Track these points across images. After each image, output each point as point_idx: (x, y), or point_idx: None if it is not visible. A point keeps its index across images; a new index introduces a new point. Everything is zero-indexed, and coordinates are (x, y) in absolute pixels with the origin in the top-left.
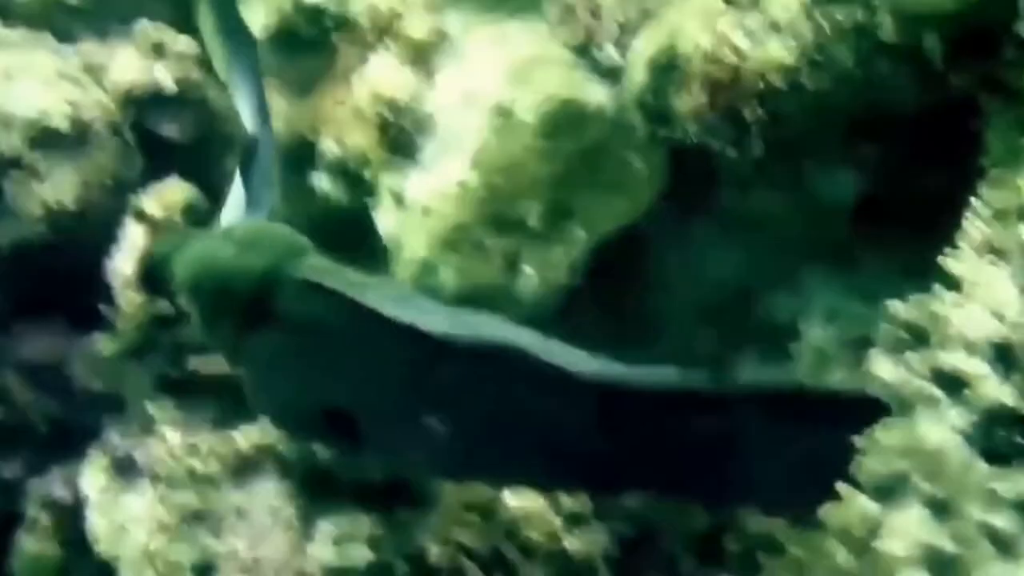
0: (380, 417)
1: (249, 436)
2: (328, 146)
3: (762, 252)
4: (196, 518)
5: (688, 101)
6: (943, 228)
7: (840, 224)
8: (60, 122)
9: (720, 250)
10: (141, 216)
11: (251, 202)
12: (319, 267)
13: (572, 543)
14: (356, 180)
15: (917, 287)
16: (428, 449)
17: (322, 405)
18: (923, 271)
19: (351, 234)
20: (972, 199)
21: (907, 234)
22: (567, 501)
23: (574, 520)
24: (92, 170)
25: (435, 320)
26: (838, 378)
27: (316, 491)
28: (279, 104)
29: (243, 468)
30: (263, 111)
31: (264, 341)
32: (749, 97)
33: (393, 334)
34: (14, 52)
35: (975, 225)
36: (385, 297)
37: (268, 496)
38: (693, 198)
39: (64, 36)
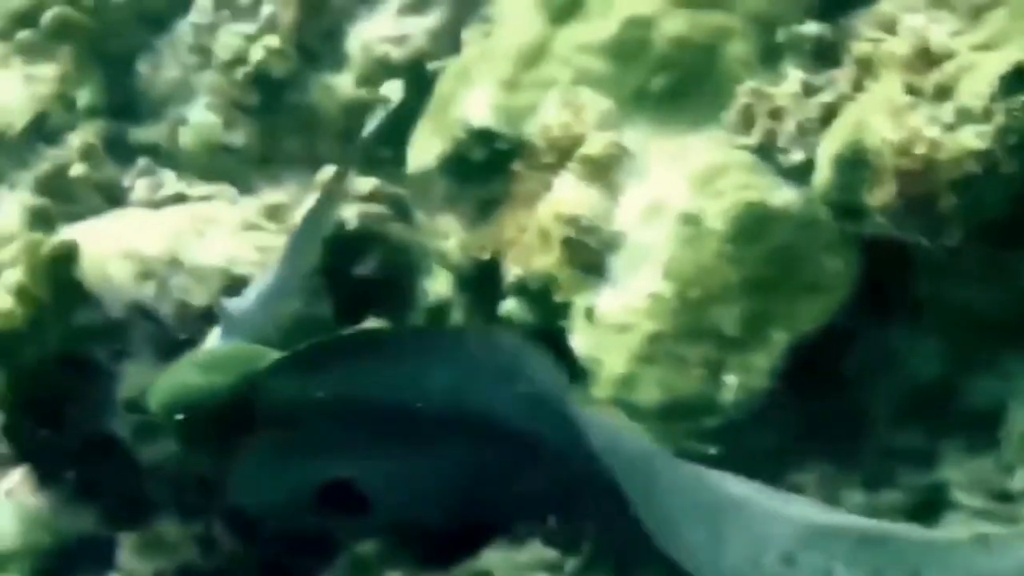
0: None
1: None
2: (512, 270)
3: (962, 340)
4: None
5: (879, 195)
6: None
7: None
8: (248, 269)
9: (919, 341)
10: None
11: (226, 332)
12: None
13: None
14: (542, 301)
15: None
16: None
17: (320, 482)
18: None
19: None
20: None
21: None
22: None
23: None
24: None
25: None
26: None
27: None
28: (455, 230)
29: None
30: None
31: (249, 445)
32: (944, 186)
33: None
34: (196, 205)
35: None
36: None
37: None
38: (888, 291)
39: (233, 179)
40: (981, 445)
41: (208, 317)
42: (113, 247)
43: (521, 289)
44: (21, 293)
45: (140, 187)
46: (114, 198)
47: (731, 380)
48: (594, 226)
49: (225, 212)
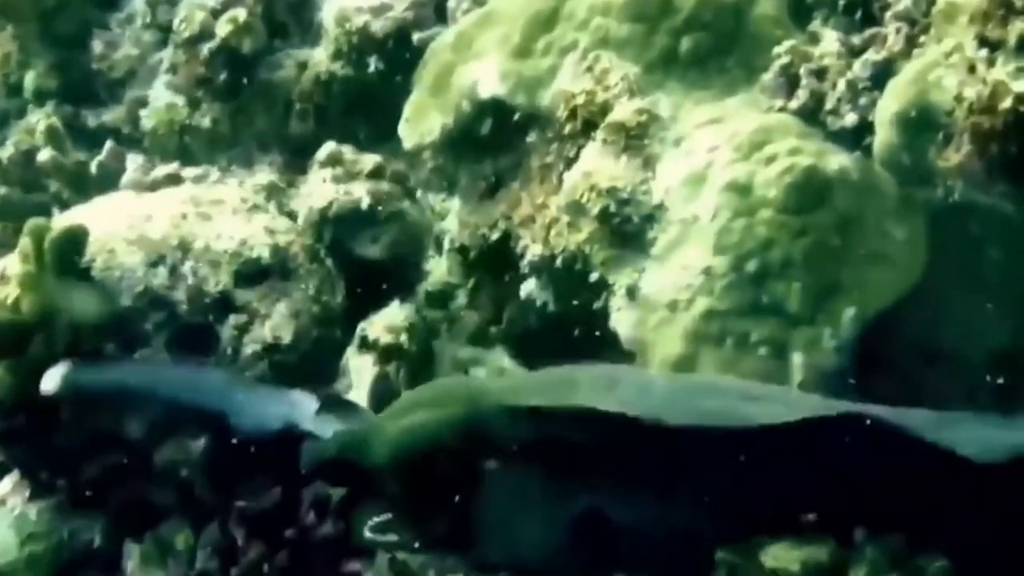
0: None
1: None
2: (532, 249)
3: None
4: None
5: (954, 156)
6: None
7: None
8: (262, 252)
9: (992, 311)
10: (367, 344)
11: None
12: (514, 390)
13: None
14: (573, 281)
15: None
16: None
17: (570, 517)
18: None
19: (561, 337)
20: None
21: None
22: None
23: None
24: (300, 300)
25: (647, 403)
26: None
27: None
28: (460, 210)
29: None
30: None
31: (495, 480)
32: None
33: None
34: (193, 187)
35: None
36: (593, 390)
37: None
38: (957, 260)
39: (201, 161)
40: None
41: (223, 302)
42: (117, 232)
43: (544, 267)
44: (26, 282)
45: (131, 170)
46: (81, 184)
47: (797, 359)
48: (633, 198)
49: (225, 193)
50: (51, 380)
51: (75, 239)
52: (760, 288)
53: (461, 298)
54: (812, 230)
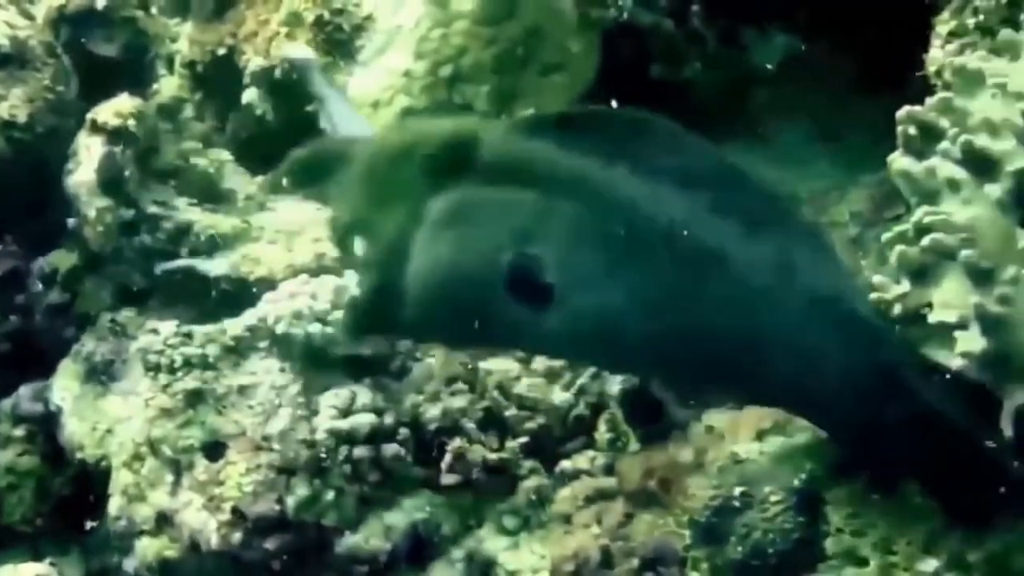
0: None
1: (237, 325)
2: (254, 61)
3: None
4: (200, 401)
5: None
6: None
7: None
8: (2, 41)
9: None
10: (97, 127)
11: None
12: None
13: (559, 396)
14: (288, 88)
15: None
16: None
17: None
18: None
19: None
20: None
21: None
22: (539, 362)
23: (552, 376)
24: (36, 89)
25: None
26: None
27: (313, 367)
28: (189, 30)
29: (240, 350)
30: None
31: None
32: None
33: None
34: None
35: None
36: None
37: (269, 374)
38: (626, 74)
39: None
40: None
41: None
42: None
43: (264, 78)
44: None
45: None
46: None
47: None
48: (345, 8)
49: None
50: None
51: None
52: (452, 90)
53: (189, 111)
54: (500, 41)
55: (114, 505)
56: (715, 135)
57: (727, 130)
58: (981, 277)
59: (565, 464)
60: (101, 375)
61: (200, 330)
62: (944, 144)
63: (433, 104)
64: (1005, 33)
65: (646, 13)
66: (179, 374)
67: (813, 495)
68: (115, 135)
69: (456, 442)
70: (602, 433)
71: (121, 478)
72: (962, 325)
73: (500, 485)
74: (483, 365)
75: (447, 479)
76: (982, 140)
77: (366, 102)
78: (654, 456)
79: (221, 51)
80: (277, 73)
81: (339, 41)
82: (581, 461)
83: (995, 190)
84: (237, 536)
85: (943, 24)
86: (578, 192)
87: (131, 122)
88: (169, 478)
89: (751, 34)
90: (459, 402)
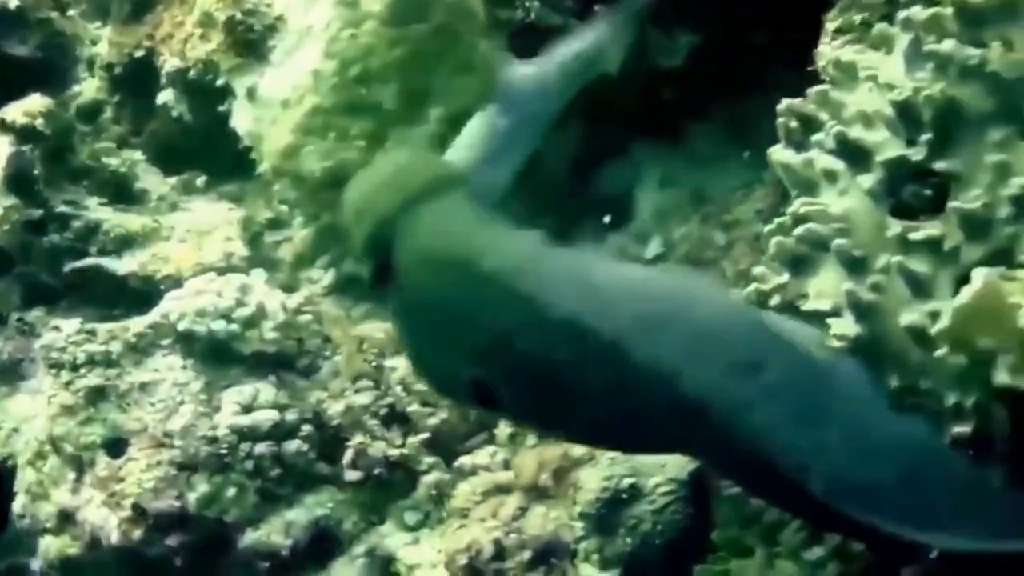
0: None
1: (141, 322)
2: (170, 62)
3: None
4: (102, 398)
5: None
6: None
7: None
8: None
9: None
10: (5, 126)
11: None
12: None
13: None
14: (202, 88)
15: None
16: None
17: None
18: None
19: (204, 147)
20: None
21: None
22: None
23: None
24: None
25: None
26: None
27: (216, 364)
28: (107, 33)
29: (143, 348)
30: None
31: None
32: None
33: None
34: None
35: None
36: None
37: (171, 371)
38: None
39: None
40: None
41: None
42: None
43: (179, 79)
44: None
45: None
46: None
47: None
48: (257, 10)
49: None
50: None
51: None
52: (361, 89)
53: (109, 112)
54: (409, 41)
55: (19, 504)
56: (626, 135)
57: (639, 130)
58: (854, 266)
59: (464, 460)
60: (9, 374)
61: (103, 327)
62: (820, 135)
63: (340, 103)
64: (880, 27)
65: (553, 14)
66: (82, 371)
67: (701, 486)
68: (23, 134)
69: (358, 438)
70: (502, 429)
71: (26, 476)
72: (836, 313)
73: (402, 481)
74: (387, 363)
75: (349, 475)
76: (856, 131)
77: (275, 102)
78: (549, 450)
79: (139, 53)
80: (192, 74)
81: (251, 42)
82: (480, 456)
83: (867, 180)
84: (138, 533)
85: (831, 21)
86: None
87: (39, 121)
88: (71, 476)
89: (655, 34)
90: (363, 399)
